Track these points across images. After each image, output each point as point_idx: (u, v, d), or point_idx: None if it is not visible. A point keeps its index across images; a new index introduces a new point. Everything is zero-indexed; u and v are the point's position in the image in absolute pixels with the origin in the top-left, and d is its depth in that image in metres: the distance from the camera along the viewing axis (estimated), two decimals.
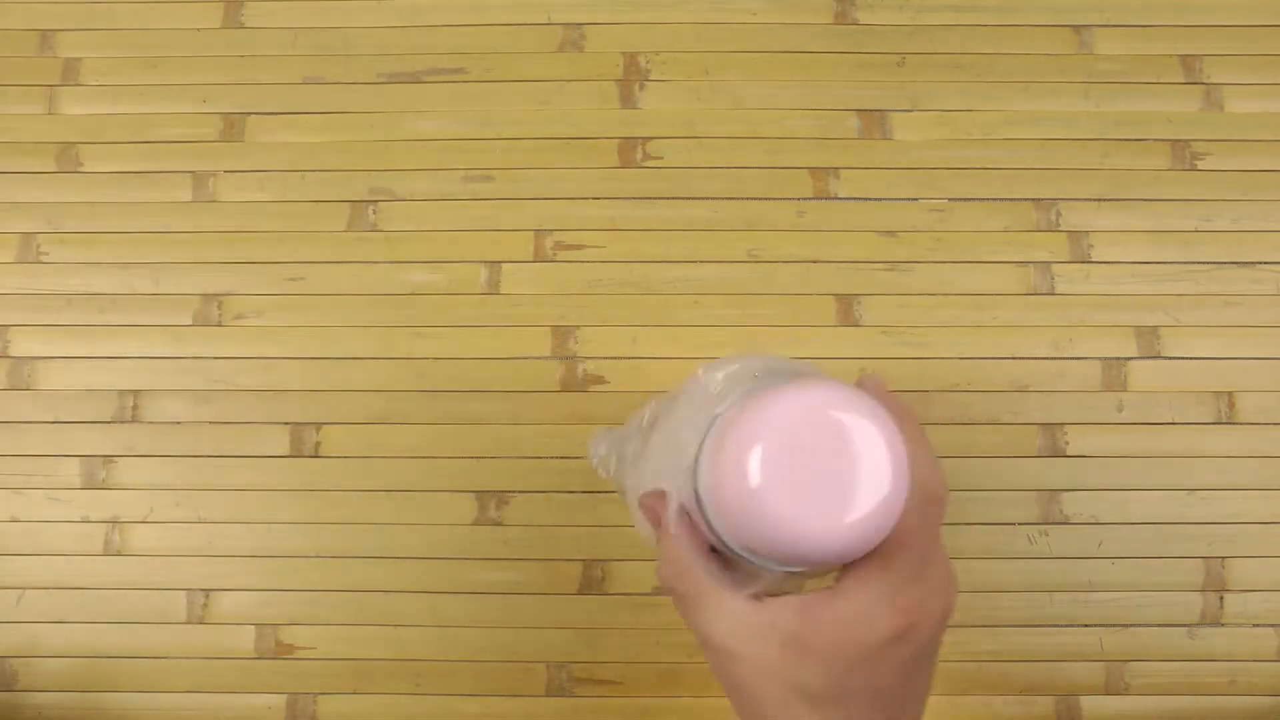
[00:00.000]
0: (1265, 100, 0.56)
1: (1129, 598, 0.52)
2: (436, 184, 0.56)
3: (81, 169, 0.57)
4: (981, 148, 0.56)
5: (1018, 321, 0.54)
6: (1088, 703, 0.51)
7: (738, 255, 0.55)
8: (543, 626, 0.52)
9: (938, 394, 0.53)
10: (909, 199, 0.56)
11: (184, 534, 0.53)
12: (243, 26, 0.58)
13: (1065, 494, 0.53)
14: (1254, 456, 0.53)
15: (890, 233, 0.55)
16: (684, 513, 0.32)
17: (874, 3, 0.58)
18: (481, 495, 0.53)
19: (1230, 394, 0.53)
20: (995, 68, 0.57)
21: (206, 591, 0.52)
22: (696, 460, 0.29)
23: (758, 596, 0.31)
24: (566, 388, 0.54)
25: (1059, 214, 0.55)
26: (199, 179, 0.57)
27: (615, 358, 0.54)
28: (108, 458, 0.54)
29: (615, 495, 0.53)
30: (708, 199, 0.56)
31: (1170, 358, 0.54)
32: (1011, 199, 0.56)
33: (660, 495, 0.33)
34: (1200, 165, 0.56)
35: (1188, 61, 0.57)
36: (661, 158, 0.56)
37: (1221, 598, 0.52)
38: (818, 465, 0.26)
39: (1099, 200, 0.55)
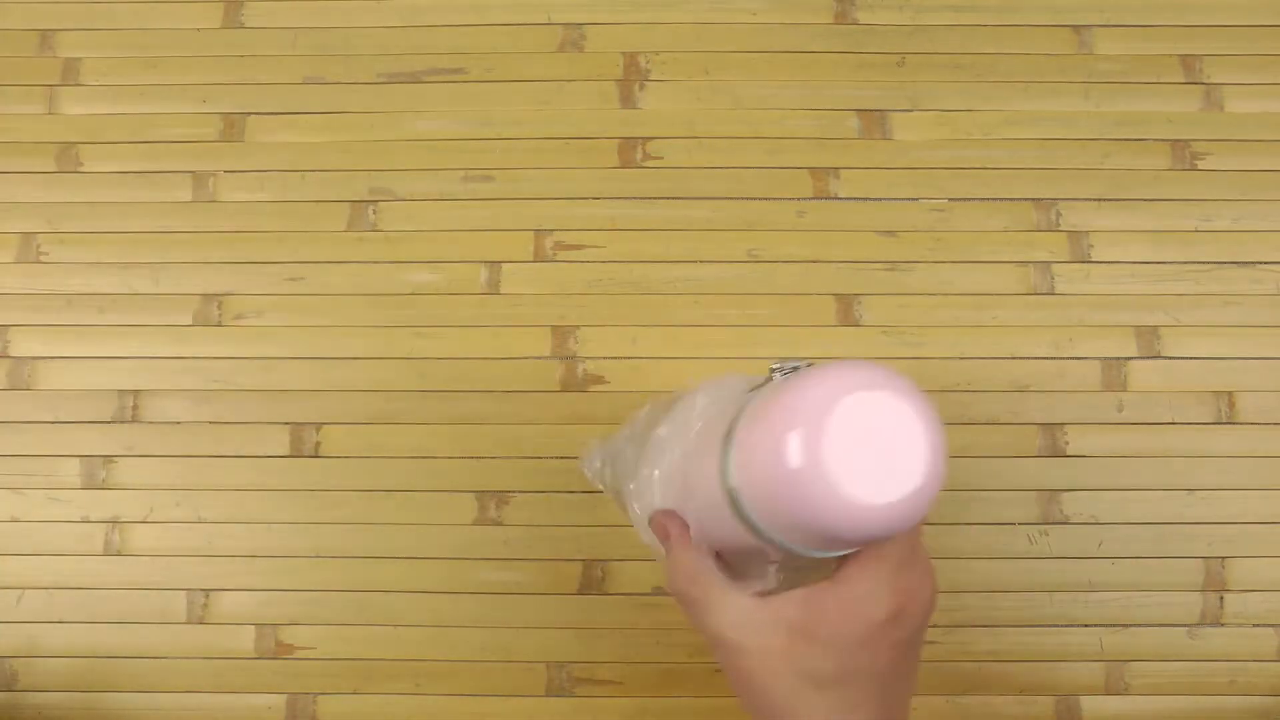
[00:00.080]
0: (1265, 100, 0.56)
1: (1129, 598, 0.52)
2: (436, 184, 0.56)
3: (81, 169, 0.57)
4: (981, 148, 0.56)
5: (1018, 321, 0.54)
6: (1088, 703, 0.51)
7: (738, 255, 0.55)
8: (543, 626, 0.52)
9: (938, 394, 0.53)
10: (909, 199, 0.56)
11: (184, 534, 0.53)
12: (243, 26, 0.58)
13: (1065, 494, 0.53)
14: (1254, 456, 0.53)
15: (890, 233, 0.55)
16: (684, 525, 0.35)
17: (874, 3, 0.58)
18: (481, 495, 0.53)
19: (1230, 394, 0.53)
20: (995, 68, 0.57)
21: (206, 591, 0.52)
22: (725, 454, 0.29)
23: (762, 595, 0.33)
24: (566, 388, 0.54)
25: (1059, 214, 0.55)
26: (199, 179, 0.57)
27: (615, 358, 0.54)
28: (108, 458, 0.54)
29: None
30: (708, 199, 0.56)
31: (1170, 358, 0.54)
32: (1011, 199, 0.56)
33: (670, 513, 0.36)
34: (1200, 165, 0.56)
35: (1188, 61, 0.57)
36: (661, 158, 0.56)
37: (1221, 598, 0.52)
38: (866, 443, 0.26)
39: (1099, 200, 0.55)
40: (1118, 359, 0.54)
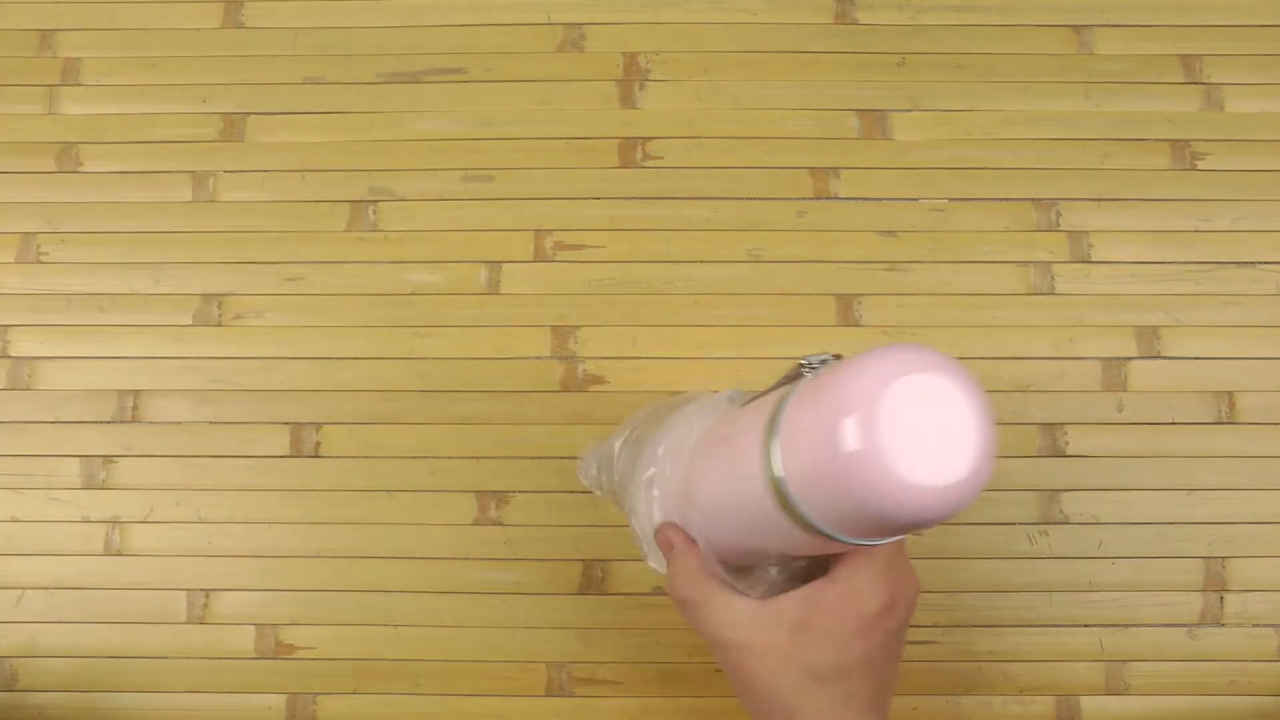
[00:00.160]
0: (1265, 100, 0.56)
1: (1129, 598, 0.52)
2: (436, 184, 0.56)
3: (81, 169, 0.57)
4: (981, 148, 0.56)
5: (1018, 321, 0.54)
6: (1087, 703, 0.51)
7: (738, 255, 0.55)
8: (543, 626, 0.52)
9: None
10: (909, 199, 0.56)
11: (184, 534, 0.53)
12: (243, 26, 0.58)
13: (1065, 494, 0.53)
14: (1254, 456, 0.53)
15: (890, 233, 0.55)
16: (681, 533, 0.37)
17: (874, 3, 0.58)
18: (481, 495, 0.53)
19: (1230, 394, 0.53)
20: (995, 68, 0.57)
21: (206, 591, 0.52)
22: (769, 445, 0.29)
23: (761, 598, 0.35)
24: (566, 388, 0.54)
25: (1059, 214, 0.55)
26: (199, 179, 0.57)
27: (615, 358, 0.54)
28: (108, 458, 0.54)
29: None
30: (708, 199, 0.56)
31: (1170, 358, 0.54)
32: (1011, 199, 0.56)
33: (673, 525, 0.38)
34: (1200, 165, 0.56)
35: (1188, 61, 0.57)
36: (661, 158, 0.56)
37: (1221, 598, 0.52)
38: (922, 426, 0.26)
39: (1099, 200, 0.55)
40: (1118, 359, 0.54)
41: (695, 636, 0.51)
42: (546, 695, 0.51)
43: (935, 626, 0.52)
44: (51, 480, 0.54)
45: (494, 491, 0.53)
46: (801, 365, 0.31)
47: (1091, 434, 0.53)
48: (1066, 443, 0.53)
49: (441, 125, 0.57)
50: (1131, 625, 0.52)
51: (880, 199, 0.56)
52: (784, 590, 0.35)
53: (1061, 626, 0.52)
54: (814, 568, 0.35)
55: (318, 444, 0.54)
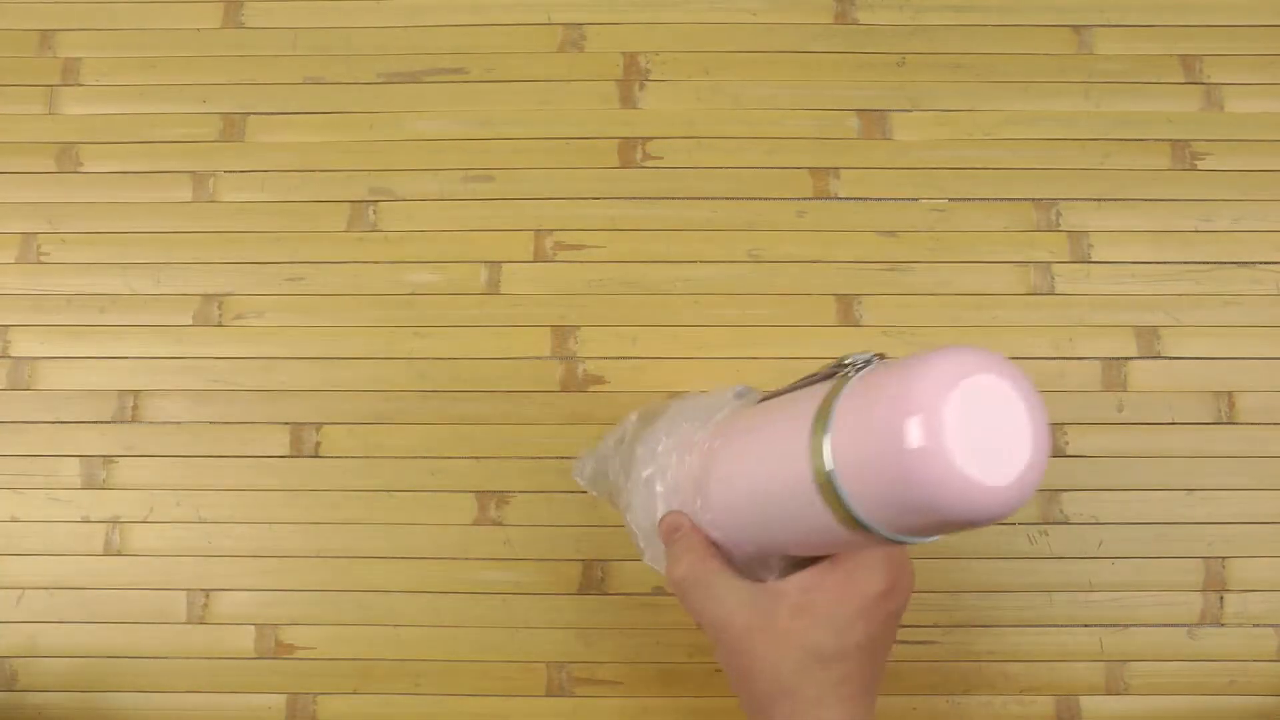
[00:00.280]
0: (1265, 100, 0.56)
1: (1129, 598, 0.52)
2: (436, 184, 0.56)
3: (81, 169, 0.57)
4: (981, 148, 0.56)
5: (1018, 321, 0.54)
6: (1087, 703, 0.51)
7: (738, 255, 0.55)
8: (543, 626, 0.52)
9: None
10: (909, 199, 0.56)
11: (184, 534, 0.53)
12: (243, 26, 0.58)
13: (1065, 494, 0.53)
14: (1254, 456, 0.53)
15: (890, 233, 0.55)
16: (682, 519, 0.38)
17: (874, 3, 0.58)
18: (481, 495, 0.53)
19: (1230, 394, 0.53)
20: (995, 68, 0.57)
21: (206, 591, 0.52)
22: (819, 440, 0.29)
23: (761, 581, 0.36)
24: (566, 388, 0.54)
25: (1059, 214, 0.55)
26: (199, 179, 0.57)
27: (615, 358, 0.54)
28: (108, 458, 0.54)
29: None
30: (708, 199, 0.56)
31: (1170, 358, 0.54)
32: (1011, 199, 0.56)
33: (677, 512, 0.38)
34: (1200, 165, 0.56)
35: (1188, 61, 0.57)
36: (661, 158, 0.56)
37: (1221, 598, 0.52)
38: (983, 425, 0.26)
39: (1099, 200, 0.55)
40: (1118, 359, 0.54)
41: (695, 636, 0.52)
42: (546, 695, 0.51)
43: (935, 626, 0.52)
44: (51, 480, 0.54)
45: (494, 491, 0.53)
46: (844, 364, 0.32)
47: (1091, 434, 0.53)
48: (1066, 443, 0.53)
49: (441, 125, 0.57)
50: (1131, 625, 0.52)
51: (880, 199, 0.56)
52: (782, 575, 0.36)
53: (1061, 626, 0.52)
54: (815, 558, 0.36)
55: (318, 444, 0.54)
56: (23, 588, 0.53)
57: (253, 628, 0.52)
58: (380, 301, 0.55)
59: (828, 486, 0.29)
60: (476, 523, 0.53)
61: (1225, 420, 0.53)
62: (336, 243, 0.56)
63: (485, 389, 0.54)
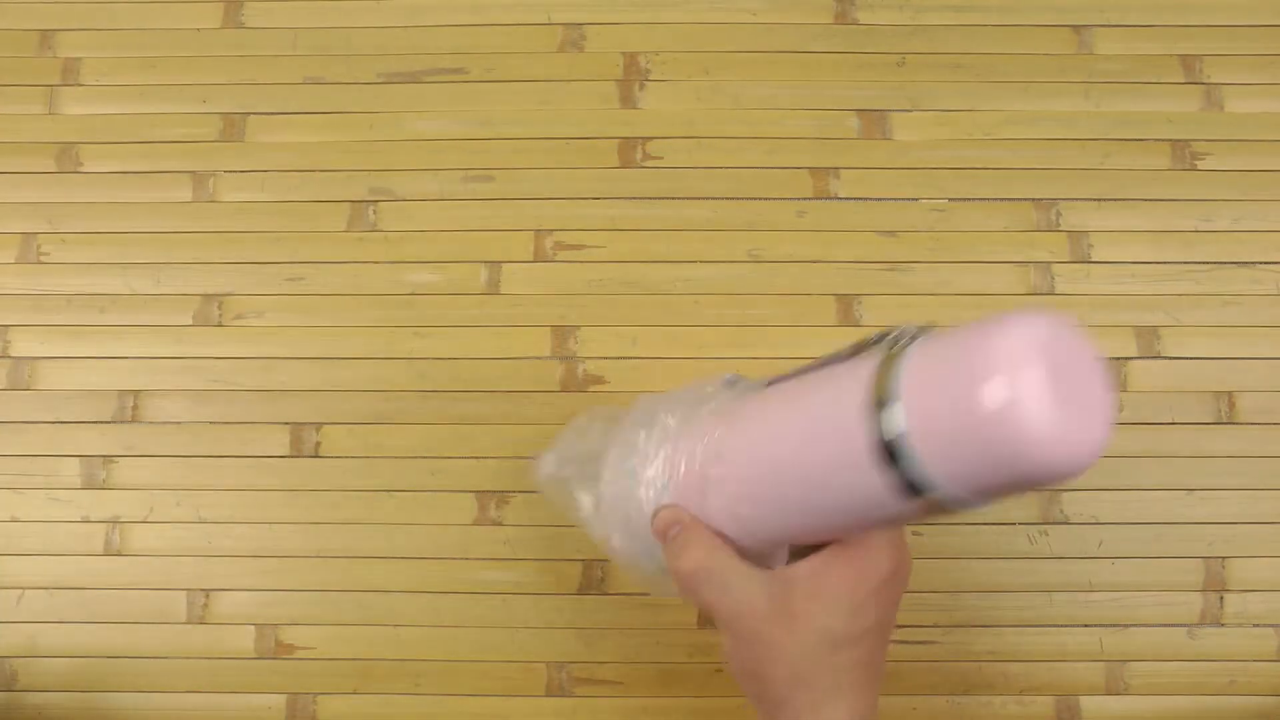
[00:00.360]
0: (1265, 100, 0.56)
1: (1129, 598, 0.52)
2: (436, 184, 0.56)
3: (81, 169, 0.57)
4: (981, 148, 0.56)
5: None
6: (1087, 703, 0.51)
7: (738, 255, 0.55)
8: (543, 626, 0.52)
9: None
10: (909, 199, 0.56)
11: (184, 534, 0.53)
12: (243, 26, 0.58)
13: (1065, 494, 0.53)
14: (1254, 456, 0.53)
15: (890, 233, 0.55)
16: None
17: (874, 3, 0.58)
18: (481, 495, 0.53)
19: (1230, 394, 0.53)
20: (995, 68, 0.57)
21: (206, 591, 0.52)
22: (884, 406, 0.30)
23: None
24: (566, 388, 0.54)
25: (1059, 214, 0.55)
26: (199, 179, 0.57)
27: (615, 358, 0.54)
28: (108, 458, 0.54)
29: None
30: (708, 199, 0.56)
31: (1170, 358, 0.54)
32: (1011, 199, 0.56)
33: (673, 505, 0.38)
34: (1200, 165, 0.56)
35: (1188, 61, 0.57)
36: (661, 158, 0.56)
37: (1221, 598, 0.52)
38: (1064, 385, 0.27)
39: (1099, 200, 0.55)
40: (1118, 359, 0.54)
41: (695, 636, 0.52)
42: (546, 695, 0.51)
43: (935, 626, 0.52)
44: (51, 480, 0.54)
45: (494, 491, 0.53)
46: (885, 336, 0.32)
47: None
48: None
49: (441, 125, 0.57)
50: (1131, 625, 0.52)
51: (880, 199, 0.56)
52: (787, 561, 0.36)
53: (1061, 626, 0.52)
54: (817, 547, 0.36)
55: (318, 444, 0.54)
56: (23, 588, 0.53)
57: (253, 628, 0.52)
58: (380, 301, 0.55)
59: (894, 453, 0.29)
60: (476, 523, 0.53)
61: (1225, 420, 0.53)
62: (336, 243, 0.56)
63: (485, 389, 0.54)
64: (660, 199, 0.56)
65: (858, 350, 0.34)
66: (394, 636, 0.52)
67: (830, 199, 0.56)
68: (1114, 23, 0.58)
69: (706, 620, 0.52)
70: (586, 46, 0.58)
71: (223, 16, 0.58)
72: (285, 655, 0.52)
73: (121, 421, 0.54)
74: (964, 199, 0.56)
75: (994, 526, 0.52)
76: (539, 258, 0.55)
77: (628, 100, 0.57)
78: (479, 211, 0.56)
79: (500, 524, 0.53)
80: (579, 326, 0.54)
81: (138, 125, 0.57)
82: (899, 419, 0.29)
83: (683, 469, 0.38)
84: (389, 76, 0.58)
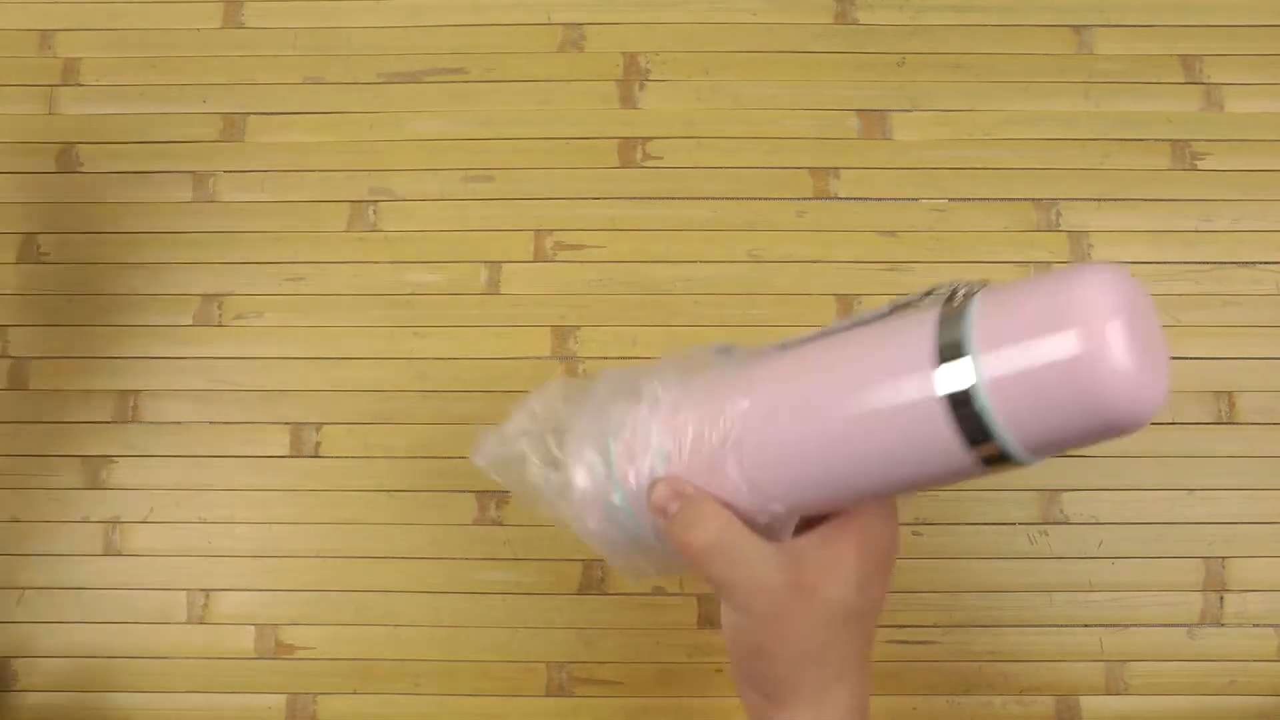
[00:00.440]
0: (1265, 100, 0.56)
1: (1129, 598, 0.52)
2: (436, 184, 0.56)
3: (81, 169, 0.57)
4: (981, 148, 0.56)
5: None
6: (1087, 703, 0.51)
7: (738, 255, 0.55)
8: (543, 626, 0.52)
9: None
10: (909, 199, 0.56)
11: (184, 534, 0.53)
12: (243, 26, 0.58)
13: (1065, 494, 0.53)
14: (1254, 456, 0.53)
15: (890, 233, 0.55)
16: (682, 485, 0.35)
17: (874, 3, 0.58)
18: (481, 495, 0.53)
19: (1230, 394, 0.53)
20: (995, 68, 0.57)
21: (206, 591, 0.52)
22: (951, 361, 0.30)
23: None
24: None
25: (1059, 214, 0.55)
26: (199, 179, 0.57)
27: (615, 358, 0.54)
28: (108, 458, 0.54)
29: None
30: (708, 199, 0.56)
31: (1170, 358, 0.54)
32: (1011, 199, 0.56)
33: (673, 478, 0.35)
34: (1200, 165, 0.56)
35: (1188, 61, 0.57)
36: (661, 158, 0.56)
37: (1221, 598, 0.52)
38: (1140, 336, 0.28)
39: (1099, 200, 0.55)
40: None
41: (695, 636, 0.52)
42: (546, 695, 0.51)
43: (935, 626, 0.52)
44: (51, 480, 0.54)
45: (494, 491, 0.53)
46: (937, 291, 0.32)
47: None
48: None
49: (441, 125, 0.57)
50: (1131, 625, 0.52)
51: (880, 199, 0.56)
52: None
53: (1061, 626, 0.52)
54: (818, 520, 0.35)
55: (318, 444, 0.54)
56: (23, 588, 0.53)
57: (253, 628, 0.52)
58: (380, 301, 0.55)
59: (966, 404, 0.29)
60: (476, 523, 0.53)
61: (1225, 420, 0.53)
62: (336, 243, 0.56)
63: (485, 389, 0.54)
64: (660, 199, 0.56)
65: (899, 307, 0.33)
66: (394, 636, 0.52)
67: (830, 199, 0.56)
68: (1114, 23, 0.58)
69: (706, 620, 0.52)
70: (586, 46, 0.58)
71: (223, 16, 0.58)
72: (285, 655, 0.52)
73: (121, 421, 0.54)
74: (964, 199, 0.56)
75: (994, 526, 0.52)
76: (539, 258, 0.55)
77: (628, 100, 0.57)
78: (479, 211, 0.56)
79: (500, 524, 0.53)
80: (579, 326, 0.54)
81: (138, 125, 0.57)
82: (971, 369, 0.29)
83: (689, 439, 0.36)
84: (389, 76, 0.58)
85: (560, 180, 0.56)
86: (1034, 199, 0.56)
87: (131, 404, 0.54)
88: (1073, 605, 0.52)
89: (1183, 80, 0.57)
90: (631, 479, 0.37)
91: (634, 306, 0.55)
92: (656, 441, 0.36)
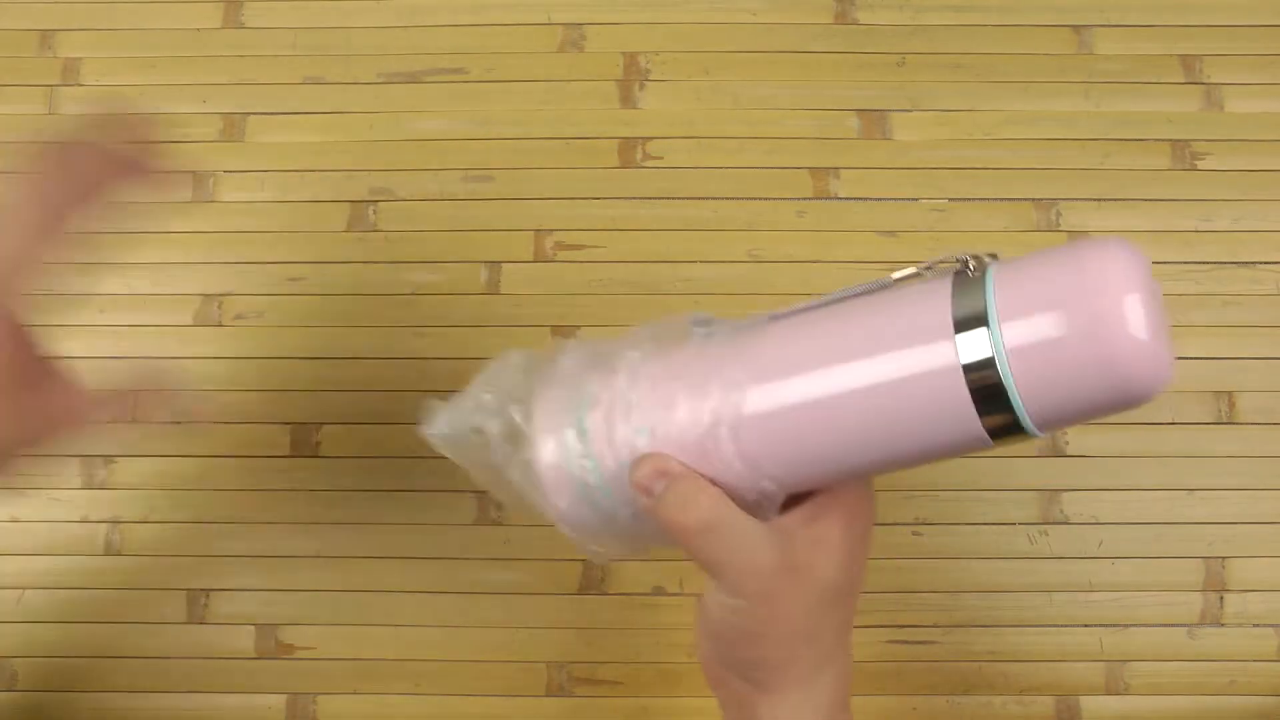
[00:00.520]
0: (1265, 100, 0.56)
1: (1129, 598, 0.52)
2: (436, 184, 0.56)
3: None
4: (981, 148, 0.56)
5: None
6: (1088, 703, 0.51)
7: (738, 255, 0.55)
8: (543, 626, 0.52)
9: None
10: (909, 199, 0.56)
11: (184, 534, 0.53)
12: (243, 26, 0.58)
13: (1065, 494, 0.53)
14: (1254, 456, 0.53)
15: (890, 233, 0.55)
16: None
17: (874, 3, 0.58)
18: (481, 495, 0.53)
19: (1230, 394, 0.53)
20: (995, 68, 0.57)
21: (206, 591, 0.52)
22: (975, 325, 0.30)
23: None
24: None
25: (1059, 214, 0.55)
26: (199, 179, 0.57)
27: None
28: (108, 458, 0.54)
29: None
30: (708, 199, 0.56)
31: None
32: (1011, 199, 0.56)
33: (659, 454, 0.34)
34: (1200, 165, 0.56)
35: (1188, 61, 0.57)
36: (661, 158, 0.56)
37: (1221, 598, 0.52)
38: (1153, 309, 0.28)
39: (1099, 200, 0.55)
40: None
41: (694, 636, 0.51)
42: (546, 695, 0.51)
43: (935, 626, 0.52)
44: (51, 480, 0.54)
45: None
46: (943, 262, 0.33)
47: (1091, 434, 0.53)
48: (1066, 443, 0.53)
49: (441, 125, 0.57)
50: (1131, 625, 0.52)
51: (880, 199, 0.56)
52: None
53: (1061, 626, 0.52)
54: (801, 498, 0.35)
55: (318, 444, 0.54)
56: (23, 588, 0.53)
57: (253, 628, 0.52)
58: (380, 301, 0.55)
59: (983, 373, 0.29)
60: (476, 523, 0.53)
61: (1225, 420, 0.53)
62: (336, 243, 0.56)
63: None
64: (660, 199, 0.56)
65: (901, 279, 0.34)
66: (394, 636, 0.52)
67: (830, 199, 0.56)
68: (1114, 23, 0.58)
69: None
70: (586, 46, 0.58)
71: (223, 16, 0.58)
72: (285, 655, 0.52)
73: (121, 421, 0.54)
74: (964, 199, 0.56)
75: (994, 526, 0.52)
76: (539, 258, 0.55)
77: (628, 100, 0.57)
78: (479, 211, 0.56)
79: (500, 524, 0.53)
80: (579, 326, 0.54)
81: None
82: (991, 339, 0.29)
83: (675, 414, 0.34)
84: (389, 76, 0.58)
85: (560, 180, 0.56)
86: (1034, 199, 0.56)
87: (131, 404, 0.54)
88: (1073, 605, 0.52)
89: (1183, 80, 0.57)
90: (609, 456, 0.35)
91: (634, 307, 0.55)
92: (637, 416, 0.34)
